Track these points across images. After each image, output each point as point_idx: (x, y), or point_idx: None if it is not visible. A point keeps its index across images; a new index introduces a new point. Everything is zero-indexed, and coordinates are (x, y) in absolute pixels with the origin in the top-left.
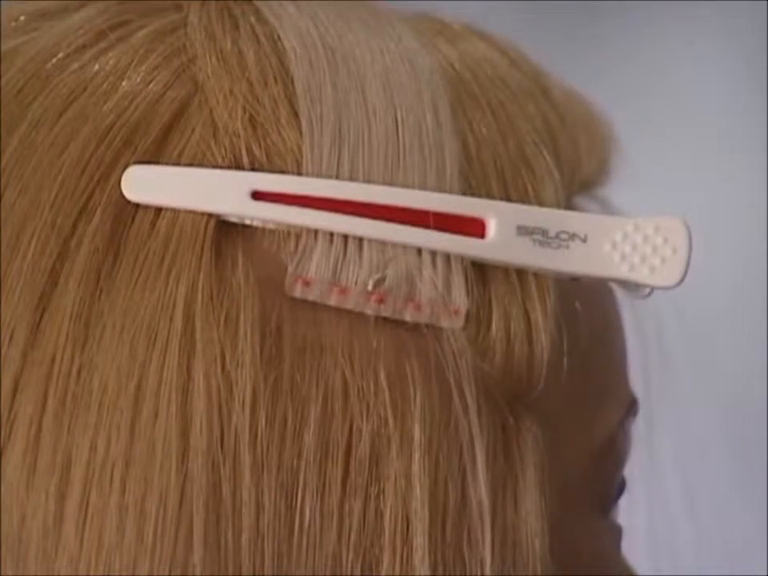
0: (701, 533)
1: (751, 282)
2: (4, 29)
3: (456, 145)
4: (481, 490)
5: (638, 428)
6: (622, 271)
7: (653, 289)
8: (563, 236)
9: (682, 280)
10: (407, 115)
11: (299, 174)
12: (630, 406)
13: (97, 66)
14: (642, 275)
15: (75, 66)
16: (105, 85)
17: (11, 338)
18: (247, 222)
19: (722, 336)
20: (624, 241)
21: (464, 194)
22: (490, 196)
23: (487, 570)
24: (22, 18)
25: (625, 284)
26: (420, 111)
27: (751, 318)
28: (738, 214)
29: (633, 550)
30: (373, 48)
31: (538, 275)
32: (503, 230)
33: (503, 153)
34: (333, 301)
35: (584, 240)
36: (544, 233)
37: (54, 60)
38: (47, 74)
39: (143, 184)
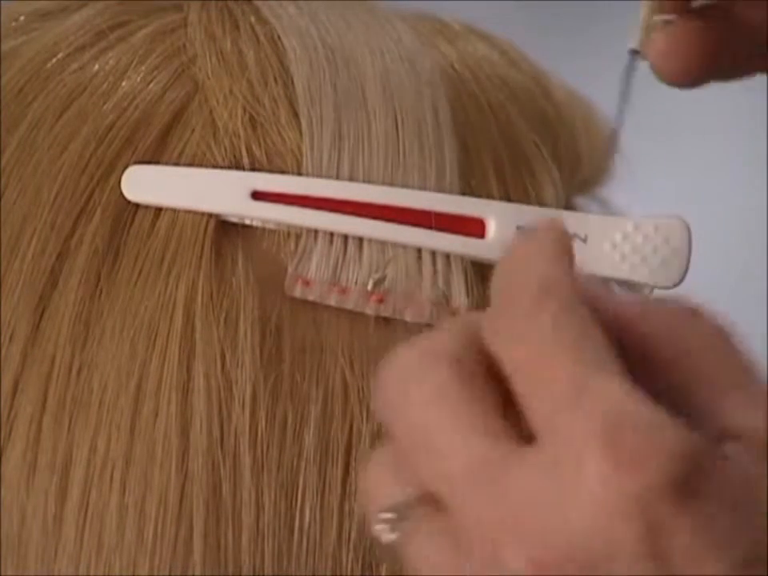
0: None
1: (751, 282)
2: (4, 29)
3: (456, 145)
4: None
5: None
6: (623, 271)
7: (652, 289)
8: None
9: (682, 280)
10: (407, 115)
11: (299, 174)
12: None
13: (97, 66)
14: (642, 275)
15: (75, 66)
16: (105, 85)
17: (11, 337)
18: (247, 222)
19: None
20: (624, 241)
21: (464, 193)
22: (489, 196)
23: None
24: (21, 18)
25: (625, 284)
26: (420, 111)
27: (751, 318)
28: (737, 214)
29: None
30: (372, 48)
31: None
32: (503, 230)
33: (503, 153)
34: (333, 301)
35: (584, 240)
36: None
37: (54, 60)
38: (47, 74)
39: (143, 184)
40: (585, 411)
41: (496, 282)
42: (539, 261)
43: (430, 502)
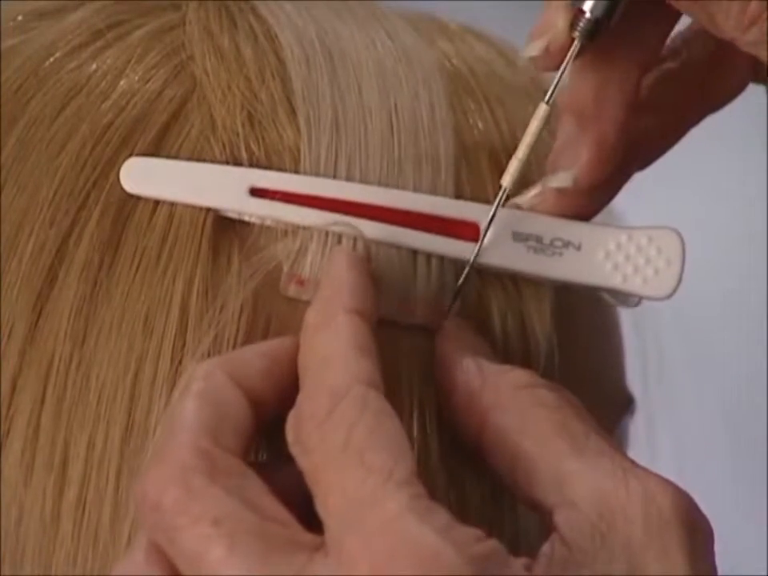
0: None
1: (751, 283)
2: (3, 28)
3: (452, 144)
4: None
5: (638, 428)
6: (615, 281)
7: (640, 299)
8: (557, 243)
9: (674, 291)
10: (403, 114)
11: (297, 172)
12: (627, 406)
13: (94, 65)
14: (634, 286)
15: (73, 64)
16: (103, 83)
17: (10, 335)
18: (245, 218)
19: (722, 336)
20: (617, 250)
21: (459, 194)
22: (485, 198)
23: None
24: (19, 17)
25: (616, 293)
26: (417, 109)
27: (751, 319)
28: (737, 214)
29: None
30: (369, 45)
31: (534, 279)
32: (498, 235)
33: (500, 152)
34: None
35: (578, 248)
36: (539, 239)
37: (52, 59)
38: (45, 73)
39: (142, 176)
40: (366, 533)
41: (302, 369)
42: (335, 362)
43: None
